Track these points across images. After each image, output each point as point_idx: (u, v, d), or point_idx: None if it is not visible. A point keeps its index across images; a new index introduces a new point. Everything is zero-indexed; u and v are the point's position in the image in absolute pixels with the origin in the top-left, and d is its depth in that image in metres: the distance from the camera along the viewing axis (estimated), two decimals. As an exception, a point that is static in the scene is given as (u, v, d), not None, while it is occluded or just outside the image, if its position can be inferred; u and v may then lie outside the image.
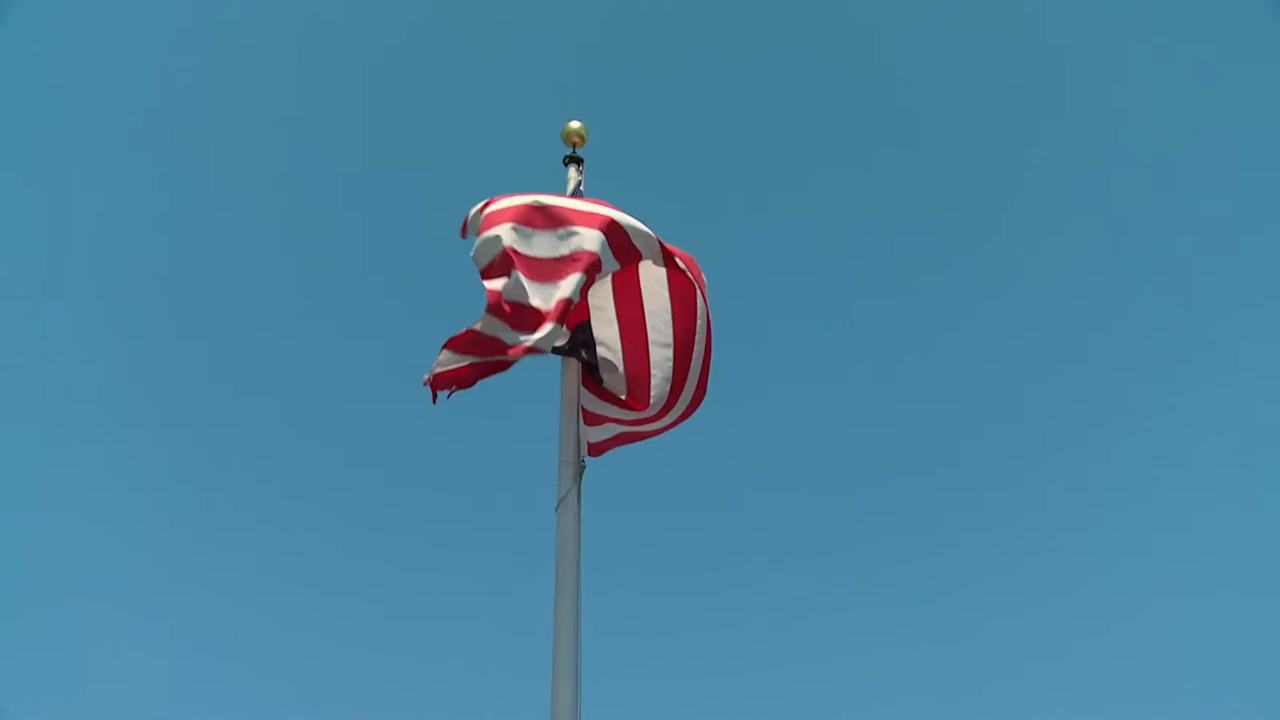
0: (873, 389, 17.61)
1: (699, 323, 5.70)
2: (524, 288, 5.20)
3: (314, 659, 14.12)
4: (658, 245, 5.60)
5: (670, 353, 5.72)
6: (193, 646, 13.70)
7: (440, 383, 5.43)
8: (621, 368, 5.78)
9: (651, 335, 5.80)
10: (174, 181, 16.84)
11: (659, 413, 5.75)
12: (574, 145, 6.97)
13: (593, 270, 5.37)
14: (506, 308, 5.24)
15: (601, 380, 5.86)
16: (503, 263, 5.34)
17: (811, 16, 18.61)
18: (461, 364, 5.41)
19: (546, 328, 5.09)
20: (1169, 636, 13.76)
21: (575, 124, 7.00)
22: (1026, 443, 16.63)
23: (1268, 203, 15.56)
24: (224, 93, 17.14)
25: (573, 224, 5.50)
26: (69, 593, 13.45)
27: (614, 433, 6.00)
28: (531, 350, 5.11)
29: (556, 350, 5.80)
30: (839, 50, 18.73)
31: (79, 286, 15.80)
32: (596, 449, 6.00)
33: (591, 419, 5.88)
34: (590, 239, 5.41)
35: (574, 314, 5.52)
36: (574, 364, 5.97)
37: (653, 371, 5.72)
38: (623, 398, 5.81)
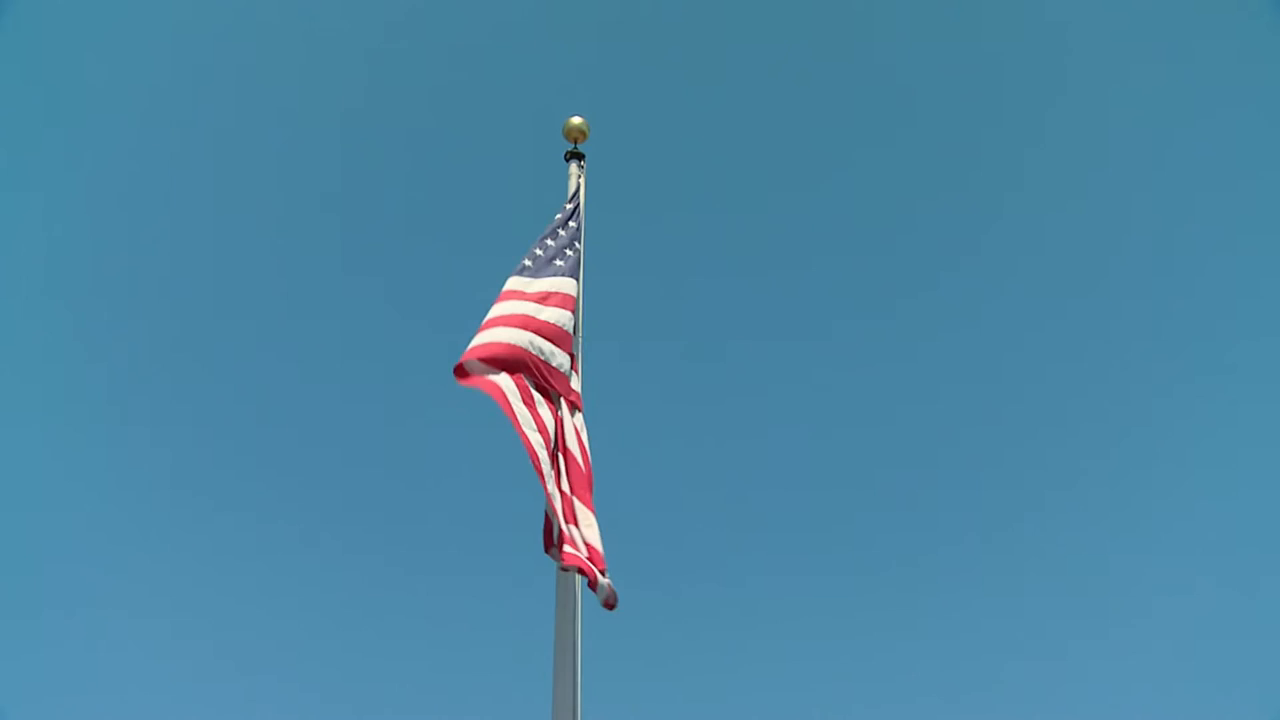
0: (872, 390, 17.57)
1: None
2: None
3: (314, 659, 14.07)
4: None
5: None
6: (193, 647, 13.64)
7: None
8: None
9: None
10: (175, 180, 16.79)
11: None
12: (575, 141, 6.95)
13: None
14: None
15: None
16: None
17: (811, 15, 18.59)
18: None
19: None
20: (1168, 637, 13.71)
21: (577, 119, 6.97)
22: (1025, 443, 16.59)
23: (1264, 202, 15.55)
24: (223, 89, 17.09)
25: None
26: (68, 594, 13.41)
27: None
28: None
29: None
30: (838, 49, 18.70)
31: (79, 286, 15.76)
32: None
33: None
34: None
35: None
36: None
37: None
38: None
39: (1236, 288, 15.72)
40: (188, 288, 16.54)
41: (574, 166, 6.88)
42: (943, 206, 17.97)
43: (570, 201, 6.78)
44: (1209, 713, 12.47)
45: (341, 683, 13.74)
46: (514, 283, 6.09)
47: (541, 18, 18.23)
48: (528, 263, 6.28)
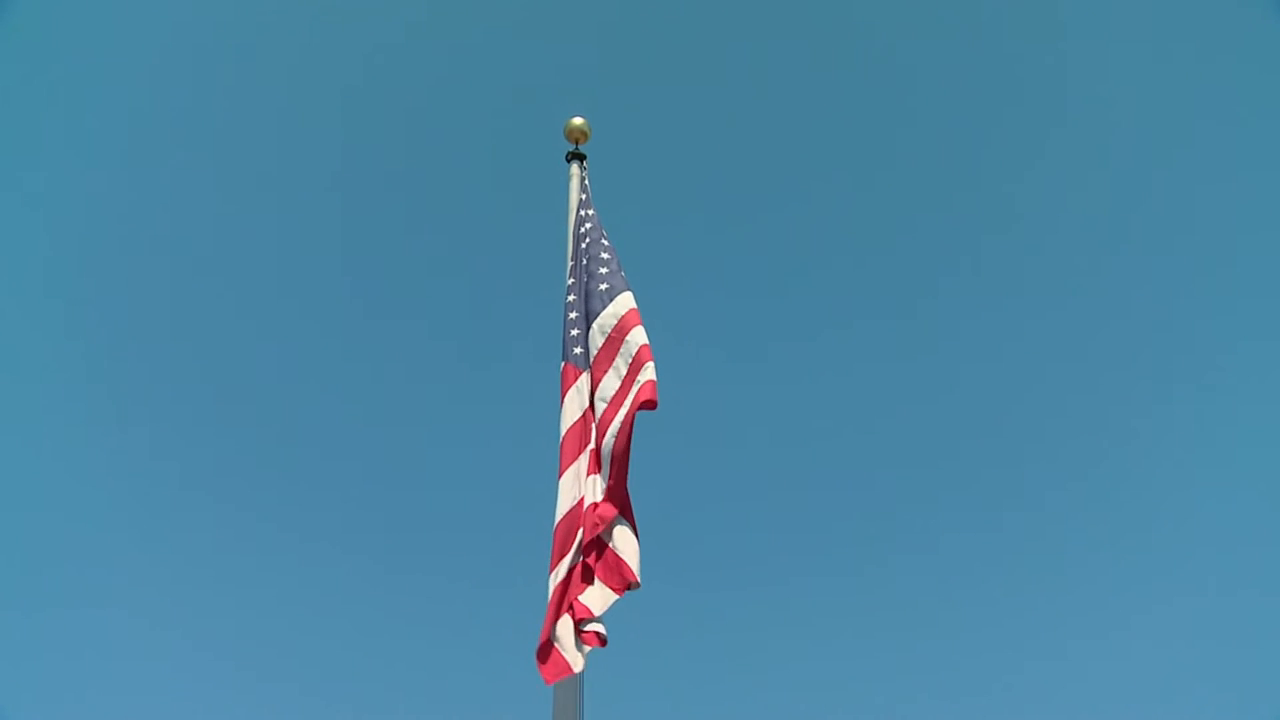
0: (872, 391, 17.59)
1: None
2: None
3: (315, 661, 14.08)
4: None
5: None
6: (194, 647, 13.66)
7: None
8: None
9: None
10: (176, 181, 16.80)
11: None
12: (576, 142, 6.96)
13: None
14: None
15: None
16: None
17: (812, 16, 18.61)
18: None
19: None
20: (1167, 637, 13.74)
21: (578, 120, 6.97)
22: (1025, 444, 16.60)
23: (1265, 203, 15.56)
24: (223, 90, 17.10)
25: None
26: (68, 594, 13.41)
27: None
28: None
29: None
30: (840, 50, 18.72)
31: (79, 285, 15.77)
32: None
33: None
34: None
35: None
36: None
37: None
38: None
39: (1237, 289, 15.75)
40: (185, 286, 16.56)
41: (575, 167, 6.89)
42: (940, 209, 17.99)
43: (587, 206, 6.70)
44: (1209, 714, 12.50)
45: (344, 684, 13.76)
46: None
47: (542, 14, 18.24)
48: (603, 286, 5.94)
